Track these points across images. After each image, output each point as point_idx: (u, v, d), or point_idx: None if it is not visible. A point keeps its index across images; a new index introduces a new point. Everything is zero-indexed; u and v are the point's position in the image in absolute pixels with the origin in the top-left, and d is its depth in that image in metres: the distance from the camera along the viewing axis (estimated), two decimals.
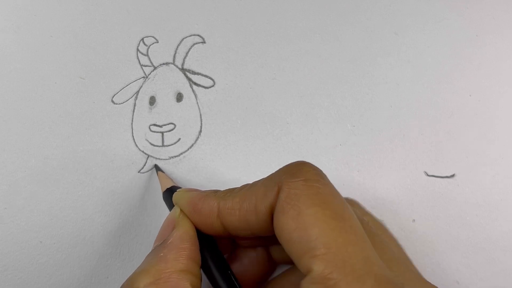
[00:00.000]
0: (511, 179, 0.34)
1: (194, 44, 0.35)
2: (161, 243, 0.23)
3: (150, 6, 0.35)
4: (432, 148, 0.34)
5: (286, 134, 0.34)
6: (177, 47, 0.35)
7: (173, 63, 0.35)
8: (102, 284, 0.32)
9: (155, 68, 0.35)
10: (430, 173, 0.34)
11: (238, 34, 0.35)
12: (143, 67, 0.34)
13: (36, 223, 0.32)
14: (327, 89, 0.35)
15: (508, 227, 0.33)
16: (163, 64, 0.35)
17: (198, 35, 0.35)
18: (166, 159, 0.34)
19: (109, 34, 0.35)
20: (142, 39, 0.35)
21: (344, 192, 0.34)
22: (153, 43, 0.35)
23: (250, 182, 0.33)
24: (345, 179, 0.34)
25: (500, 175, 0.34)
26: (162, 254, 0.22)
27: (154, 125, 0.34)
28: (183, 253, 0.23)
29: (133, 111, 0.34)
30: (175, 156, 0.34)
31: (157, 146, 0.34)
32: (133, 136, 0.34)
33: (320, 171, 0.22)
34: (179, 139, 0.34)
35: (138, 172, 0.33)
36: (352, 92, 0.35)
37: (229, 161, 0.34)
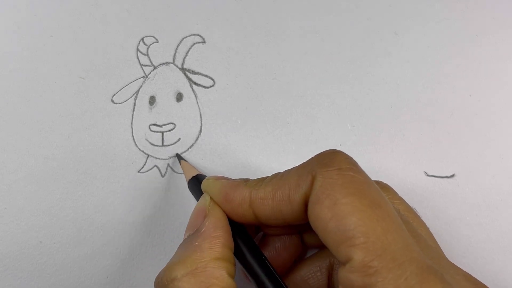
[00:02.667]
0: (511, 179, 0.34)
1: (194, 43, 0.35)
2: (194, 232, 0.23)
3: (150, 6, 0.35)
4: (432, 148, 0.34)
5: (286, 134, 0.34)
6: (177, 46, 0.35)
7: (173, 63, 0.35)
8: (102, 284, 0.32)
9: (155, 67, 0.35)
10: (430, 173, 0.34)
11: (238, 33, 0.35)
12: (143, 67, 0.34)
13: (36, 223, 0.32)
14: (327, 89, 0.35)
15: (508, 227, 0.33)
16: (163, 63, 0.35)
17: (198, 35, 0.35)
18: (166, 159, 0.34)
19: (109, 33, 0.35)
20: (142, 39, 0.35)
21: None
22: (153, 43, 0.35)
23: None
24: None
25: (500, 175, 0.34)
26: (197, 243, 0.23)
27: (154, 124, 0.34)
28: (217, 241, 0.23)
29: (133, 110, 0.34)
30: (175, 156, 0.34)
31: (157, 146, 0.34)
32: (133, 136, 0.34)
33: (353, 159, 0.22)
34: (179, 139, 0.34)
35: (138, 172, 0.33)
36: (352, 92, 0.35)
37: (229, 161, 0.34)
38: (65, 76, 0.34)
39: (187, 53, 0.35)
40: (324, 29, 0.36)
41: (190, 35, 0.35)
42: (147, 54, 0.35)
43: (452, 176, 0.34)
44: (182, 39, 0.35)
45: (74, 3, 0.35)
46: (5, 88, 0.34)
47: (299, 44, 0.35)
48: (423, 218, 0.34)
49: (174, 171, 0.33)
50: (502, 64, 0.36)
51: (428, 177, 0.34)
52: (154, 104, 0.34)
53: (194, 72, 0.35)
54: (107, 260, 0.32)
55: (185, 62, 0.35)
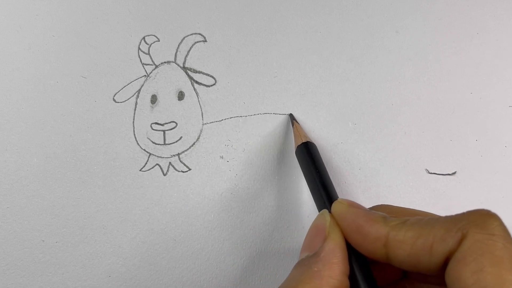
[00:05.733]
0: None
1: (195, 42, 0.35)
2: (313, 256, 0.23)
3: (152, 5, 0.35)
4: (434, 146, 0.34)
5: (287, 132, 0.34)
6: (179, 45, 0.35)
7: (175, 62, 0.35)
8: (104, 283, 0.32)
9: (156, 66, 0.35)
10: (431, 171, 0.34)
11: (239, 32, 0.35)
12: (145, 66, 0.35)
13: (38, 222, 0.32)
14: (328, 87, 0.35)
15: (510, 224, 0.33)
16: (165, 62, 0.35)
17: (200, 34, 0.35)
18: (168, 158, 0.34)
19: (110, 33, 0.35)
20: (144, 38, 0.35)
21: (345, 190, 0.34)
22: (154, 42, 0.35)
23: (253, 181, 0.33)
24: (347, 177, 0.34)
25: (501, 173, 0.34)
26: (316, 269, 0.22)
27: (156, 123, 0.34)
28: (337, 268, 0.22)
29: (135, 109, 0.34)
30: (177, 155, 0.34)
31: (158, 144, 0.34)
32: (134, 135, 0.34)
33: (505, 225, 0.21)
34: (181, 137, 0.34)
35: (140, 170, 0.33)
36: (353, 90, 0.35)
37: (231, 160, 0.34)
38: (67, 76, 0.34)
39: (188, 52, 0.35)
40: (325, 27, 0.36)
41: (191, 34, 0.35)
42: (148, 53, 0.35)
43: (454, 173, 0.34)
44: (184, 38, 0.35)
45: (76, 3, 0.35)
46: (7, 88, 0.34)
47: (300, 43, 0.35)
48: None
49: (175, 169, 0.34)
50: (502, 62, 0.36)
51: (430, 175, 0.34)
52: (156, 103, 0.34)
53: (195, 71, 0.35)
54: (109, 258, 0.32)
55: (187, 60, 0.35)
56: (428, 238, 0.21)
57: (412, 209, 0.26)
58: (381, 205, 0.27)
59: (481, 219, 0.21)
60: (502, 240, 0.20)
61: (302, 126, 0.34)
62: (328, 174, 0.29)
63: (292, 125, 0.33)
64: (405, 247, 0.21)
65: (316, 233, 0.24)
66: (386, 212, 0.25)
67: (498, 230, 0.20)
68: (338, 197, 0.27)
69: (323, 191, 0.27)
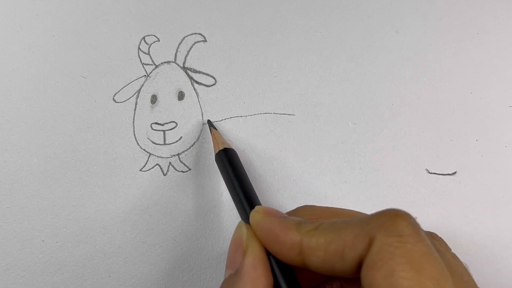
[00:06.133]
0: None
1: (195, 42, 0.35)
2: (235, 274, 0.23)
3: (152, 5, 0.35)
4: (434, 146, 0.34)
5: (287, 132, 0.34)
6: (179, 45, 0.35)
7: (175, 62, 0.35)
8: (104, 283, 0.32)
9: (156, 66, 0.35)
10: (431, 171, 0.34)
11: (239, 32, 0.35)
12: (145, 66, 0.35)
13: (39, 222, 0.32)
14: (328, 87, 0.35)
15: (510, 224, 0.33)
16: (165, 62, 0.35)
17: (200, 34, 0.35)
18: (168, 158, 0.34)
19: (110, 33, 0.35)
20: (144, 38, 0.35)
21: (346, 190, 0.34)
22: (154, 42, 0.35)
23: (252, 181, 0.33)
24: (347, 177, 0.34)
25: (501, 173, 0.34)
26: (239, 287, 0.22)
27: (156, 123, 0.34)
28: (260, 282, 0.22)
29: (135, 109, 0.34)
30: (177, 155, 0.34)
31: (158, 144, 0.34)
32: (134, 135, 0.34)
33: (417, 224, 0.21)
34: (181, 137, 0.34)
35: (140, 170, 0.33)
36: (353, 90, 0.35)
37: None
38: (67, 76, 0.34)
39: (188, 51, 0.35)
40: (325, 27, 0.36)
41: (191, 34, 0.35)
42: (148, 53, 0.35)
43: (454, 173, 0.34)
44: (184, 38, 0.35)
45: (76, 3, 0.35)
46: (7, 88, 0.34)
47: (300, 42, 0.35)
48: (425, 216, 0.34)
49: (175, 169, 0.34)
50: (502, 62, 0.36)
51: (430, 175, 0.34)
52: (156, 103, 0.34)
53: (195, 71, 0.35)
54: (109, 258, 0.32)
55: (187, 60, 0.35)
56: (339, 243, 0.21)
57: (334, 208, 0.26)
58: (304, 206, 0.27)
59: (390, 221, 0.20)
60: (411, 240, 0.19)
61: (302, 126, 0.34)
62: (249, 181, 0.28)
63: (210, 132, 0.33)
64: (318, 253, 0.21)
65: (235, 248, 0.24)
66: (308, 214, 0.25)
67: (407, 230, 0.20)
68: (259, 204, 0.26)
69: (244, 199, 0.26)
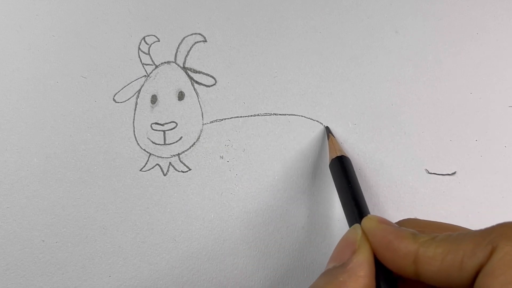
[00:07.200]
0: None
1: (195, 42, 0.35)
2: (341, 266, 0.23)
3: (152, 5, 0.35)
4: (433, 146, 0.34)
5: (287, 132, 0.34)
6: (179, 45, 0.35)
7: (175, 62, 0.35)
8: (104, 283, 0.32)
9: (156, 66, 0.35)
10: (431, 171, 0.34)
11: (239, 32, 0.35)
12: (145, 66, 0.35)
13: (39, 222, 0.32)
14: (328, 87, 0.35)
15: None
16: (165, 62, 0.35)
17: (200, 34, 0.35)
18: (168, 158, 0.34)
19: (110, 33, 0.35)
20: (144, 38, 0.35)
21: None
22: (154, 42, 0.35)
23: (253, 181, 0.33)
24: None
25: (501, 173, 0.34)
26: (341, 279, 0.22)
27: (156, 123, 0.34)
28: (362, 281, 0.22)
29: (135, 109, 0.34)
30: (177, 155, 0.34)
31: (158, 144, 0.34)
32: (134, 135, 0.34)
33: None
34: (181, 137, 0.34)
35: (140, 170, 0.33)
36: (353, 90, 0.35)
37: (231, 160, 0.34)
38: (67, 76, 0.34)
39: (188, 52, 0.35)
40: (325, 27, 0.36)
41: (191, 34, 0.35)
42: (148, 53, 0.35)
43: (454, 173, 0.34)
44: (184, 38, 0.35)
45: (76, 3, 0.35)
46: (7, 88, 0.34)
47: (300, 43, 0.35)
48: (424, 216, 0.34)
49: (175, 169, 0.34)
50: (502, 62, 0.36)
51: (430, 175, 0.34)
52: (156, 103, 0.34)
53: (195, 71, 0.35)
54: (109, 258, 0.32)
55: (187, 61, 0.35)
56: (458, 253, 0.21)
57: (440, 222, 0.27)
58: (409, 219, 0.27)
59: (510, 231, 0.20)
60: None
61: (303, 124, 0.34)
62: (360, 190, 0.29)
63: (328, 138, 0.33)
64: (435, 263, 0.22)
65: (346, 245, 0.24)
66: (414, 226, 0.26)
67: None
68: (369, 213, 0.27)
69: (355, 206, 0.27)
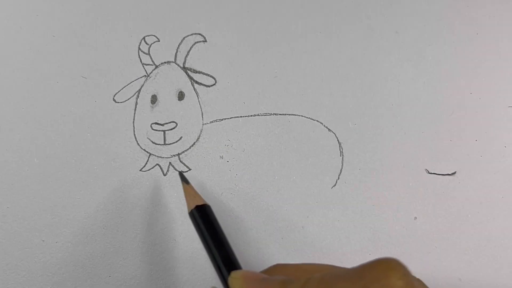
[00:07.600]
0: None
1: (195, 42, 0.35)
2: None
3: (152, 5, 0.35)
4: (433, 146, 0.34)
5: (287, 132, 0.34)
6: (179, 45, 0.35)
7: (175, 62, 0.35)
8: (104, 283, 0.32)
9: (156, 66, 0.35)
10: (431, 171, 0.34)
11: (240, 32, 0.35)
12: (145, 66, 0.35)
13: (39, 222, 0.32)
14: (328, 87, 0.35)
15: (509, 224, 0.33)
16: (165, 62, 0.35)
17: (200, 34, 0.35)
18: (168, 158, 0.34)
19: (110, 33, 0.35)
20: (144, 38, 0.35)
21: (346, 190, 0.34)
22: (154, 42, 0.35)
23: (253, 181, 0.33)
24: (347, 177, 0.34)
25: (501, 173, 0.34)
26: None
27: (156, 123, 0.34)
28: None
29: (135, 109, 0.34)
30: (177, 155, 0.34)
31: (158, 144, 0.34)
32: (134, 135, 0.34)
33: (410, 277, 0.21)
34: (181, 137, 0.34)
35: (140, 170, 0.33)
36: (353, 91, 0.35)
37: (231, 160, 0.34)
38: (67, 76, 0.34)
39: (188, 52, 0.35)
40: (325, 28, 0.36)
41: (191, 34, 0.35)
42: (148, 53, 0.35)
43: (454, 173, 0.34)
44: (184, 38, 0.35)
45: (76, 3, 0.35)
46: (8, 88, 0.34)
47: (300, 43, 0.35)
48: (424, 216, 0.34)
49: (175, 169, 0.34)
50: (502, 62, 0.36)
51: (430, 175, 0.34)
52: (156, 103, 0.34)
53: (195, 71, 0.35)
54: (109, 258, 0.32)
55: (187, 61, 0.35)
56: None
57: (308, 264, 0.26)
58: (277, 265, 0.27)
59: (382, 275, 0.20)
60: None
61: (303, 124, 0.34)
62: (226, 240, 0.27)
63: (184, 185, 0.31)
64: None
65: None
66: (283, 272, 0.25)
67: (400, 284, 0.20)
68: (239, 265, 0.26)
69: (222, 263, 0.26)
